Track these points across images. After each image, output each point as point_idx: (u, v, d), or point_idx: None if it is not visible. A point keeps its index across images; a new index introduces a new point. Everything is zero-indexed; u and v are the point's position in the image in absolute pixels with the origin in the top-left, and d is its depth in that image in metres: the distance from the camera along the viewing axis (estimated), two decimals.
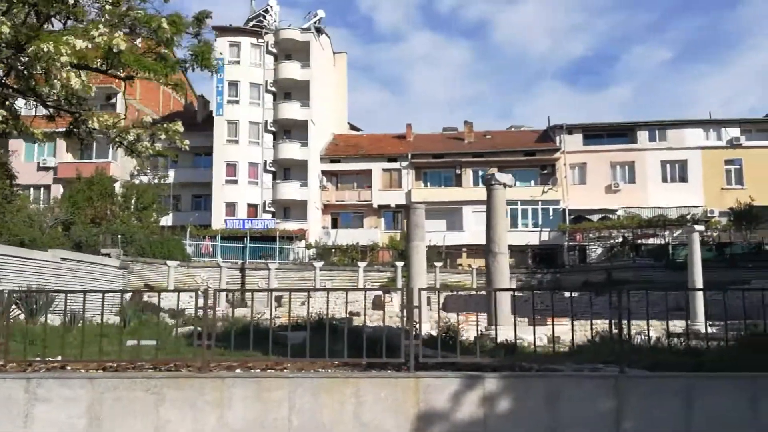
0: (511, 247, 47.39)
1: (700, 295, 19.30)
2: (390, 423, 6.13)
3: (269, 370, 6.68)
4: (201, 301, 6.65)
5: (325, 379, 6.23)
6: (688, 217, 46.61)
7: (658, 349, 7.88)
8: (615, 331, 9.35)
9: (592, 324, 9.39)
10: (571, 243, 47.05)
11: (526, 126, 55.50)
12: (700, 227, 24.03)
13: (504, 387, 6.21)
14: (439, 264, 42.53)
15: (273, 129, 47.98)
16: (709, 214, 46.66)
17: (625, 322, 6.59)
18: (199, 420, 6.14)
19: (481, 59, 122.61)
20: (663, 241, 45.12)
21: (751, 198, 43.67)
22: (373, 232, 48.24)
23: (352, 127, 60.86)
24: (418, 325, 14.70)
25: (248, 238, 41.58)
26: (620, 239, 45.80)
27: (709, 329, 20.10)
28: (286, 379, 6.25)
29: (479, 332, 12.20)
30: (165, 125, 11.79)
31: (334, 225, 49.75)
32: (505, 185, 13.79)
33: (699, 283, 21.31)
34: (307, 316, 8.41)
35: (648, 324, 7.39)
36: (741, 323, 8.41)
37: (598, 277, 41.99)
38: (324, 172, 49.90)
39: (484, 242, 48.47)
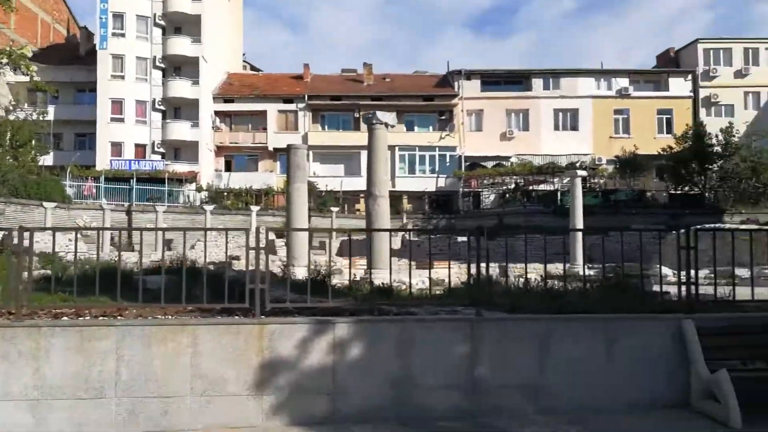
0: (408, 193, 48.27)
1: (579, 238, 19.76)
2: (231, 374, 5.63)
3: (101, 318, 6.00)
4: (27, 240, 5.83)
5: (157, 327, 5.62)
6: (578, 164, 48.06)
7: (518, 292, 7.68)
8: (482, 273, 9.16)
9: (469, 267, 9.13)
10: (466, 189, 47.63)
11: (430, 73, 55.24)
12: (582, 172, 24.58)
13: (355, 333, 5.81)
14: (335, 209, 42.12)
15: (162, 65, 45.42)
16: (597, 162, 48.26)
17: (484, 264, 6.29)
18: (11, 374, 5.42)
19: (388, 3, 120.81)
20: (553, 188, 46.49)
21: (635, 147, 45.40)
22: (269, 176, 47.06)
23: (253, 68, 58.69)
24: (294, 268, 14.07)
25: (135, 179, 39.59)
26: (513, 186, 46.79)
27: (588, 272, 20.74)
28: (113, 328, 5.59)
29: (352, 275, 11.89)
30: (9, 48, 10.52)
31: (228, 168, 48.18)
32: (387, 125, 13.32)
33: (579, 226, 21.85)
34: (162, 259, 7.74)
35: (526, 267, 7.17)
36: (618, 266, 8.43)
37: (490, 222, 42.74)
38: (217, 113, 47.98)
39: None
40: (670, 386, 6.13)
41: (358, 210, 46.57)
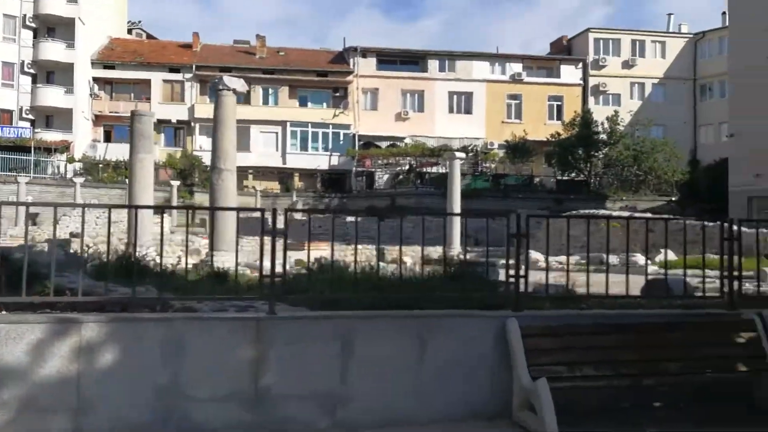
0: (300, 170, 47.00)
1: (457, 222, 19.26)
2: None
3: None
4: None
5: None
6: (470, 147, 48.23)
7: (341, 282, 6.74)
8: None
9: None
10: (359, 169, 46.85)
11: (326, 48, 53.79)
12: (461, 155, 24.19)
13: (108, 334, 4.70)
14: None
15: (34, 25, 41.90)
16: (489, 146, 48.60)
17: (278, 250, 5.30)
18: None
19: None
20: (445, 170, 46.37)
21: (525, 132, 45.91)
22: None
23: (149, 36, 55.29)
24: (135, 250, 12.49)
25: None
26: (407, 167, 46.40)
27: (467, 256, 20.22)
28: None
29: (179, 259, 10.70)
30: None
31: (108, 138, 45.29)
32: (235, 91, 12.16)
33: (457, 209, 21.40)
34: None
35: (401, 250, 6.24)
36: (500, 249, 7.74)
37: (383, 202, 42.29)
38: (96, 79, 44.93)
39: (272, 164, 46.94)
40: (492, 395, 5.36)
41: (246, 187, 44.95)
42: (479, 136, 48.81)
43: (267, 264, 5.26)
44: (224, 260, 11.18)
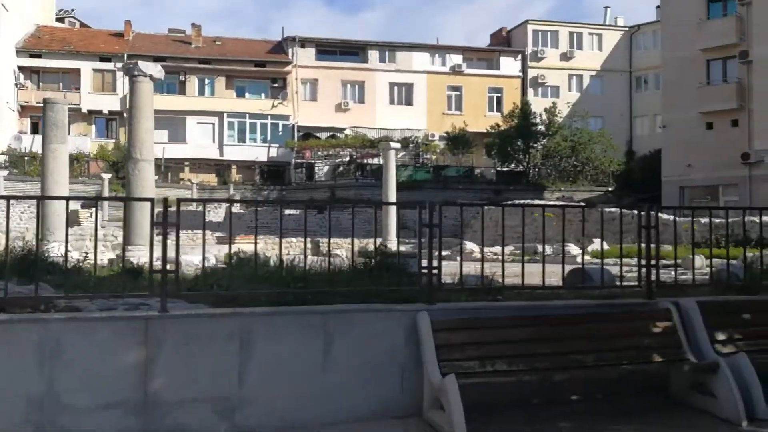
0: (238, 162, 46.03)
1: (393, 212, 19.06)
2: None
3: None
4: None
5: None
6: (411, 139, 48.14)
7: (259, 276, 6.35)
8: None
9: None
10: (299, 160, 46.22)
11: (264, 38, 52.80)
12: (396, 145, 23.95)
13: None
14: (155, 177, 39.09)
15: None
16: (430, 138, 48.55)
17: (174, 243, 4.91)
18: None
19: None
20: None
21: (465, 123, 46.04)
22: (82, 140, 42.97)
23: (83, 25, 53.20)
24: (50, 244, 11.92)
25: None
26: (347, 158, 45.98)
27: (402, 247, 20.03)
28: None
29: (85, 255, 10.14)
30: None
31: (35, 130, 43.37)
32: (151, 77, 11.56)
33: (392, 198, 21.16)
34: None
35: (329, 242, 5.89)
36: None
37: (323, 195, 41.84)
38: (22, 69, 43.04)
39: (208, 156, 45.68)
40: (404, 393, 5.09)
41: (183, 179, 43.89)
42: (420, 128, 48.69)
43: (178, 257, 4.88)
44: (140, 255, 10.69)
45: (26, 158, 38.11)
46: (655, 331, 5.46)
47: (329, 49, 48.78)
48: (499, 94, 50.73)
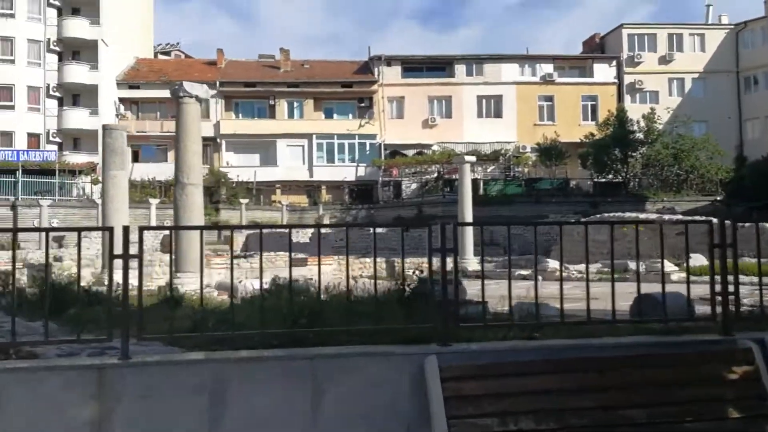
0: (327, 183, 46.24)
1: (469, 231, 18.10)
2: None
3: None
4: None
5: None
6: (501, 152, 46.85)
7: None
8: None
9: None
10: (386, 178, 45.85)
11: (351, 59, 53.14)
12: (471, 158, 22.88)
13: None
14: (245, 201, 39.80)
15: (58, 49, 42.20)
16: (521, 150, 47.10)
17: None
18: None
19: None
20: (476, 177, 45.06)
21: (556, 134, 44.30)
22: None
23: (187, 57, 55.59)
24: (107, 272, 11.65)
25: (20, 171, 36.46)
26: (435, 175, 45.22)
27: (479, 266, 19.01)
28: None
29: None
30: None
31: (136, 158, 45.24)
32: (197, 98, 11.27)
33: (468, 217, 20.15)
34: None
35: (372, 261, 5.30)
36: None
37: (410, 212, 41.21)
38: (123, 100, 45.03)
39: (299, 177, 46.35)
40: None
41: (275, 202, 44.35)
42: (510, 140, 47.34)
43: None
44: (189, 282, 10.29)
45: None
46: (731, 377, 4.35)
47: (415, 66, 48.37)
48: (593, 102, 48.66)
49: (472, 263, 18.26)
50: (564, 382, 4.22)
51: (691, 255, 15.90)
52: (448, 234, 4.61)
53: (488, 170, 46.57)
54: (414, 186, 45.49)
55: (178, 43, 57.23)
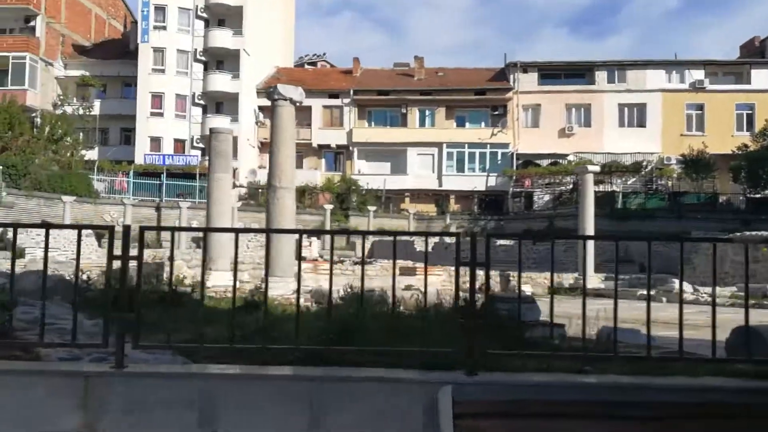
0: (456, 192, 45.70)
1: (591, 246, 16.91)
2: None
3: None
4: None
5: None
6: (644, 164, 44.16)
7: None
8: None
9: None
10: (517, 189, 44.53)
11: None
12: (595, 168, 21.40)
13: None
14: (372, 208, 40.05)
15: (203, 59, 44.64)
16: (665, 162, 44.20)
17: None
18: None
19: (482, 5, 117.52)
20: (615, 189, 42.75)
21: (704, 144, 41.09)
22: (313, 174, 45.53)
23: (332, 67, 57.49)
24: (213, 273, 11.95)
25: (165, 174, 38.78)
26: (570, 186, 43.33)
27: (605, 284, 17.72)
28: None
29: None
30: None
31: None
32: (292, 101, 11.13)
33: (590, 231, 18.83)
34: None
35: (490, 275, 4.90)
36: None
37: (540, 224, 39.72)
38: (262, 108, 46.79)
39: (428, 186, 46.14)
40: None
41: (404, 210, 44.32)
42: (654, 151, 44.52)
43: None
44: (279, 287, 10.18)
45: (259, 191, 41.07)
46: None
47: (553, 73, 46.72)
48: (749, 111, 44.76)
49: (592, 281, 17.07)
50: (605, 430, 3.49)
51: None
52: (480, 248, 3.99)
53: (628, 182, 44.05)
54: (547, 197, 43.86)
55: (324, 54, 59.11)
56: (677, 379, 3.93)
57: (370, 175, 44.81)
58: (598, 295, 16.84)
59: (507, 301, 6.41)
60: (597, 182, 43.03)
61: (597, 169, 21.73)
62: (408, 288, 13.58)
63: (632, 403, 3.64)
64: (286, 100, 11.02)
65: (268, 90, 11.85)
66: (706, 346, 6.15)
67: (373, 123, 47.31)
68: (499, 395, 3.72)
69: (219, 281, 11.69)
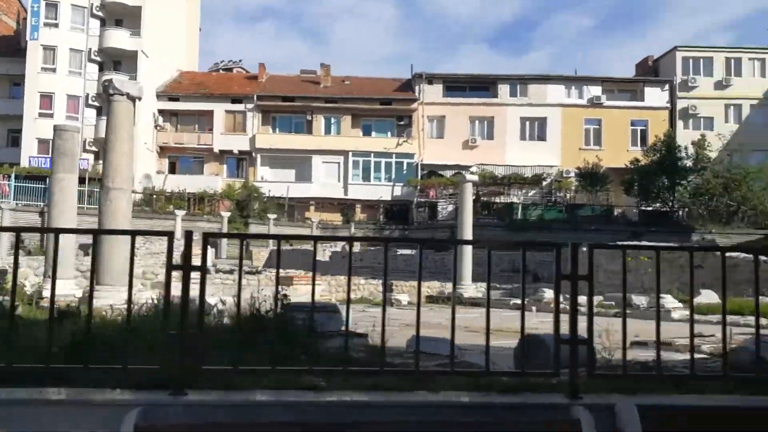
0: (362, 201, 45.34)
1: (468, 253, 16.80)
2: None
3: None
4: None
5: None
6: (543, 176, 45.17)
7: None
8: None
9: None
10: (422, 199, 44.68)
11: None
12: (473, 178, 21.56)
13: None
14: (273, 216, 39.21)
15: (99, 59, 42.78)
16: (564, 174, 45.34)
17: None
18: None
19: (407, 17, 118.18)
20: (516, 200, 43.54)
21: (598, 158, 42.43)
22: (214, 180, 44.34)
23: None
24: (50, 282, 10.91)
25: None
26: (473, 196, 43.76)
27: (478, 293, 17.61)
28: None
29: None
30: None
31: (173, 170, 45.48)
32: (129, 96, 10.45)
33: (468, 238, 18.79)
34: None
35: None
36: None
37: (443, 234, 39.89)
38: (162, 111, 45.30)
39: (333, 195, 45.63)
40: None
41: (308, 219, 43.65)
42: (554, 164, 45.60)
43: None
44: (109, 296, 9.40)
45: (153, 196, 39.63)
46: None
47: (458, 85, 47.24)
48: (643, 128, 46.54)
49: (469, 290, 16.95)
50: None
51: (702, 291, 14.13)
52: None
53: (529, 194, 44.96)
54: (450, 207, 44.13)
55: (240, 60, 57.69)
56: (416, 395, 3.55)
57: (274, 182, 44.01)
58: (474, 305, 16.77)
59: (306, 310, 5.98)
60: (498, 194, 44.06)
61: (475, 179, 21.96)
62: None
63: (353, 423, 3.22)
64: (123, 95, 10.29)
65: (103, 84, 11.10)
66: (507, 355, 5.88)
67: (277, 129, 46.52)
68: (207, 417, 3.23)
69: (63, 290, 10.82)
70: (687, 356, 6.35)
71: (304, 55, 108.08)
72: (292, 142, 45.26)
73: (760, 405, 3.13)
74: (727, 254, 4.60)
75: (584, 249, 3.92)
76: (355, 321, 8.62)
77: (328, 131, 46.32)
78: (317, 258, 21.82)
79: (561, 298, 4.20)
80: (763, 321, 4.95)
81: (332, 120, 46.37)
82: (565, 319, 4.30)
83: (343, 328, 6.87)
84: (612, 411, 3.20)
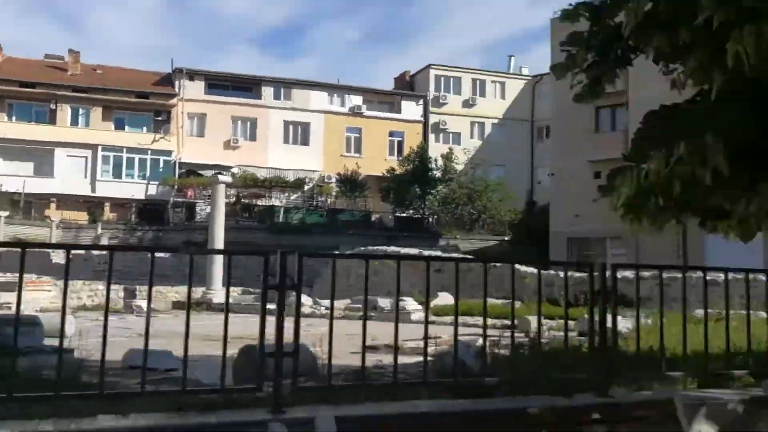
0: (112, 200, 42.09)
1: (219, 258, 16.17)
2: None
3: None
4: None
5: None
6: (306, 180, 45.62)
7: None
8: None
9: None
10: (179, 199, 42.75)
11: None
12: (226, 178, 21.20)
13: None
14: (5, 213, 34.95)
15: None
16: (326, 180, 46.15)
17: None
18: None
19: (169, 10, 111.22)
20: (278, 203, 43.45)
21: (358, 165, 43.94)
22: None
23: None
24: None
25: None
26: (233, 199, 42.89)
27: (242, 298, 17.05)
28: None
29: None
30: None
31: None
32: None
33: (219, 243, 18.26)
34: None
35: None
36: None
37: (201, 236, 38.50)
38: None
39: (79, 191, 41.91)
40: None
41: (48, 217, 39.61)
42: (316, 169, 46.24)
43: None
44: None
45: None
46: None
47: (221, 84, 46.04)
48: (400, 139, 48.98)
49: (219, 294, 16.33)
50: None
51: (439, 294, 14.88)
52: None
53: (291, 198, 45.13)
54: (209, 209, 42.77)
55: None
56: (96, 420, 3.02)
57: (8, 175, 39.33)
58: (222, 310, 16.18)
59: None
60: (259, 196, 43.64)
61: (229, 180, 21.35)
62: None
63: None
64: None
65: None
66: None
67: (14, 117, 41.68)
68: None
69: None
70: (414, 359, 6.46)
71: (53, 40, 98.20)
72: (32, 133, 40.83)
73: (455, 409, 3.08)
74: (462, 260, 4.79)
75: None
76: (84, 331, 7.76)
77: (75, 123, 42.54)
78: (56, 261, 19.89)
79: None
80: (489, 321, 5.14)
81: (80, 111, 42.67)
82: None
83: (46, 341, 6.06)
84: (313, 424, 2.95)
